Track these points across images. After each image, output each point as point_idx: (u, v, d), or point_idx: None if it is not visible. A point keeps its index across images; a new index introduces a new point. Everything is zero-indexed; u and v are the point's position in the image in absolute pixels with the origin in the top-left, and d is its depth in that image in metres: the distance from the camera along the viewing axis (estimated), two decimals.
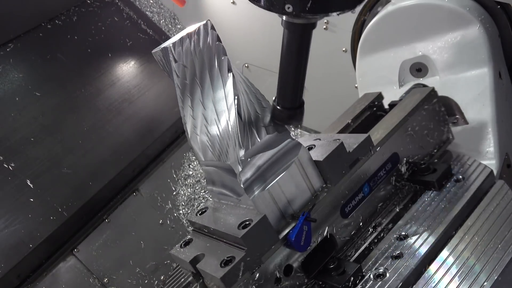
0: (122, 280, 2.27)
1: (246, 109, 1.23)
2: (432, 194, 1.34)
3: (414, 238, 1.22)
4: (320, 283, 1.24)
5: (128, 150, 2.49)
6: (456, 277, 1.12)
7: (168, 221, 2.51)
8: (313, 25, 1.00)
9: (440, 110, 1.48)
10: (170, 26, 3.07)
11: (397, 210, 1.36)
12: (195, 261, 1.22)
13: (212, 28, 1.32)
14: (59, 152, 2.31)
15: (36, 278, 2.09)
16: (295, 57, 1.07)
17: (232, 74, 1.30)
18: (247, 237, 1.11)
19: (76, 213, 2.22)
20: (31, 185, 2.17)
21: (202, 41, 1.33)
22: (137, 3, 3.00)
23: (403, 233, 1.25)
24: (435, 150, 1.48)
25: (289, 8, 0.87)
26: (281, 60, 1.09)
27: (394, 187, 1.39)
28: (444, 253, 1.18)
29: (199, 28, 1.33)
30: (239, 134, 1.18)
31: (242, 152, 1.17)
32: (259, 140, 1.20)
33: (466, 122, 1.70)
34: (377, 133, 1.38)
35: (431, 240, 1.20)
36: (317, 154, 1.25)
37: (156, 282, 2.36)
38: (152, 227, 2.45)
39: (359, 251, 1.30)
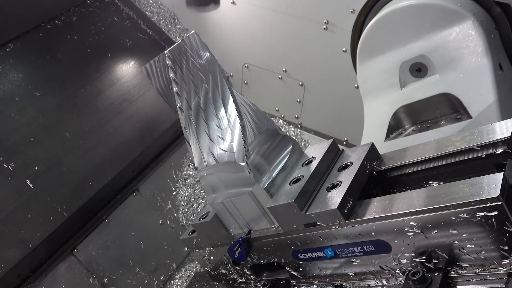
0: (122, 280, 2.27)
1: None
2: None
3: None
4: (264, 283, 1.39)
5: (128, 150, 2.49)
6: None
7: (168, 221, 2.51)
8: None
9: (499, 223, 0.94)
10: (170, 26, 3.07)
11: None
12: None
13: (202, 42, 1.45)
14: (59, 152, 2.31)
15: (36, 278, 2.09)
16: None
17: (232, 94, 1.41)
18: (196, 226, 1.47)
19: (76, 213, 2.22)
20: (31, 185, 2.17)
21: (192, 56, 1.41)
22: (137, 3, 3.00)
23: None
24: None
25: None
26: None
27: (381, 268, 1.12)
28: None
29: (186, 39, 1.43)
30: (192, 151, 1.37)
31: (195, 168, 1.36)
32: (214, 160, 1.33)
33: (469, 117, 1.70)
34: (375, 207, 1.07)
35: None
36: (283, 195, 1.20)
37: (156, 282, 2.36)
38: (152, 227, 2.45)
39: None
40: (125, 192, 2.45)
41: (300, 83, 2.69)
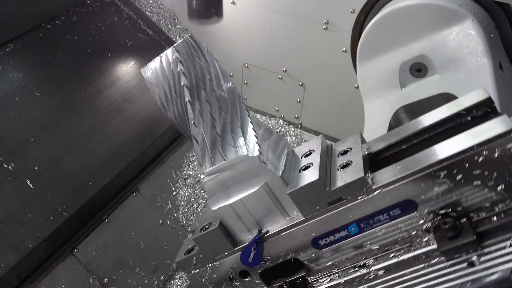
0: (122, 280, 2.27)
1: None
2: (437, 262, 1.09)
3: None
4: None
5: (128, 150, 2.49)
6: None
7: (168, 221, 2.51)
8: None
9: None
10: (170, 26, 3.07)
11: (397, 260, 1.14)
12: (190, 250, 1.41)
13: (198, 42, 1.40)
14: (59, 152, 2.31)
15: (36, 278, 2.09)
16: None
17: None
18: (198, 240, 1.28)
19: (76, 213, 2.22)
20: (31, 185, 2.17)
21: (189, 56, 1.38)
22: (137, 3, 3.00)
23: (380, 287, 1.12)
24: (497, 205, 1.07)
25: None
26: None
27: (402, 234, 1.14)
28: None
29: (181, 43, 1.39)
30: (198, 154, 1.26)
31: (201, 170, 1.26)
32: (223, 158, 1.23)
33: None
34: (394, 170, 1.10)
35: None
36: (298, 180, 1.17)
37: (156, 282, 2.36)
38: (152, 227, 2.45)
39: (332, 283, 1.24)
40: (125, 192, 2.45)
41: (300, 83, 2.69)
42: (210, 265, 1.31)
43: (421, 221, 1.10)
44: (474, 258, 1.04)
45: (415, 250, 1.13)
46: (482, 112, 1.17)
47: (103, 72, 2.63)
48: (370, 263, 1.18)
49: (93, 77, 2.59)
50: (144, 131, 2.59)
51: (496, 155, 1.00)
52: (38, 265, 2.12)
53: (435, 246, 1.09)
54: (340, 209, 1.14)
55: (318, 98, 2.70)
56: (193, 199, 2.61)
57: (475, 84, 1.72)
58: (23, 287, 2.06)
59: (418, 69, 1.91)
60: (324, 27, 2.43)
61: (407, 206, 1.09)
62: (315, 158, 1.25)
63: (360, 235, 1.16)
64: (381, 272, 1.16)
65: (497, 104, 1.66)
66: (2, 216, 2.07)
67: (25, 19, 2.54)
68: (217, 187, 1.26)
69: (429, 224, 1.10)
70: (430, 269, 1.09)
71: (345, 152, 1.27)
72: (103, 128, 2.48)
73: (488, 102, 1.16)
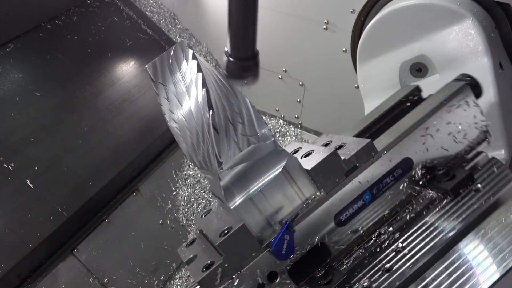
0: (122, 280, 2.27)
1: (222, 117, 1.19)
2: (446, 203, 1.25)
3: (410, 251, 1.18)
4: None
5: (128, 150, 2.49)
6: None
7: (168, 221, 2.51)
8: None
9: (471, 107, 1.31)
10: (170, 26, 3.07)
11: (407, 218, 1.26)
12: (189, 262, 1.26)
13: (188, 46, 1.30)
14: (59, 152, 2.31)
15: (36, 278, 2.09)
16: (246, 3, 0.99)
17: (198, 61, 1.24)
18: (223, 245, 1.14)
19: (76, 213, 2.22)
20: (31, 185, 2.17)
21: (178, 59, 1.32)
22: (137, 3, 3.00)
23: (401, 245, 1.20)
24: (466, 152, 1.32)
25: None
26: (229, 5, 1.00)
27: (406, 194, 1.28)
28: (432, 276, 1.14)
29: (174, 47, 1.33)
30: (215, 147, 1.16)
31: (220, 164, 1.16)
32: (240, 149, 1.17)
33: None
34: (388, 136, 1.29)
35: (427, 254, 1.16)
36: (311, 162, 1.21)
37: (156, 282, 2.36)
38: (152, 227, 2.45)
39: (358, 260, 1.25)
40: (125, 192, 2.45)
41: (300, 83, 2.69)
42: (237, 274, 1.18)
43: (418, 177, 1.28)
44: (479, 185, 1.24)
45: (419, 206, 1.28)
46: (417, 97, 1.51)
47: (103, 72, 2.63)
48: (384, 231, 1.27)
49: (93, 77, 2.59)
50: (144, 131, 2.59)
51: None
52: (38, 265, 2.12)
53: (434, 196, 1.27)
54: (356, 178, 1.22)
55: (318, 98, 2.70)
56: (193, 199, 2.61)
57: None
58: (23, 287, 2.06)
59: (418, 69, 1.91)
60: (324, 27, 2.43)
61: (405, 165, 1.26)
62: (309, 148, 1.27)
63: (373, 202, 1.25)
64: (397, 235, 1.24)
65: (497, 103, 1.67)
66: (2, 216, 2.07)
67: (25, 19, 2.54)
68: (233, 183, 1.18)
69: (424, 179, 1.28)
70: (443, 211, 1.24)
71: (327, 144, 1.31)
72: (103, 128, 2.48)
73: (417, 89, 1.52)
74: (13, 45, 2.46)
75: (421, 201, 1.28)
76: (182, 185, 2.64)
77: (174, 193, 2.61)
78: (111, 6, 2.87)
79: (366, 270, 1.19)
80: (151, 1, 3.09)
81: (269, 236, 1.19)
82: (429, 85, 1.89)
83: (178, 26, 3.08)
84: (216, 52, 3.06)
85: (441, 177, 1.26)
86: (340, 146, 1.25)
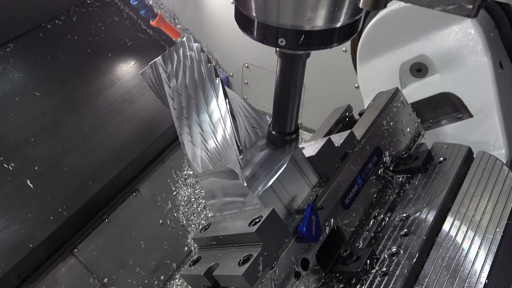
0: (122, 280, 2.27)
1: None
2: (420, 178, 1.44)
3: (416, 215, 1.30)
4: (338, 275, 1.24)
5: (128, 150, 2.49)
6: (469, 232, 1.20)
7: (168, 221, 2.51)
8: (307, 55, 0.98)
9: (407, 107, 1.61)
10: None
11: (391, 199, 1.44)
12: (209, 272, 1.19)
13: (195, 41, 1.38)
14: (59, 152, 2.31)
15: (36, 278, 2.09)
16: (291, 85, 1.07)
17: (221, 80, 1.34)
18: (260, 231, 1.12)
19: (76, 213, 2.22)
20: (31, 185, 2.17)
21: (189, 56, 1.38)
22: None
23: (405, 215, 1.32)
24: (412, 143, 1.59)
25: (282, 42, 0.86)
26: (275, 87, 1.08)
27: (384, 179, 1.48)
28: (449, 219, 1.27)
29: (181, 43, 1.39)
30: (235, 135, 1.22)
31: (240, 152, 1.20)
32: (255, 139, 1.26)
33: (470, 115, 1.70)
34: (357, 130, 1.48)
35: (433, 213, 1.27)
36: (309, 152, 1.33)
37: (156, 282, 2.36)
38: (152, 227, 2.45)
39: (367, 240, 1.34)
40: (125, 192, 2.45)
41: None
42: (276, 262, 1.14)
43: (388, 163, 1.48)
44: (441, 158, 1.47)
45: (395, 188, 1.47)
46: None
47: (103, 72, 2.63)
48: (378, 213, 1.42)
49: (93, 77, 2.59)
50: (144, 131, 2.59)
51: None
52: (38, 265, 2.12)
53: (404, 180, 1.48)
54: (348, 163, 1.37)
55: (318, 98, 2.70)
56: (193, 199, 2.61)
57: (475, 82, 1.72)
58: (23, 287, 2.06)
59: (418, 69, 1.91)
60: None
61: (378, 153, 1.47)
62: (299, 146, 1.34)
63: (364, 186, 1.40)
64: (389, 214, 1.38)
65: (497, 102, 1.68)
66: (2, 216, 2.07)
67: (25, 19, 2.54)
68: (253, 174, 1.22)
69: (392, 165, 1.50)
70: (422, 184, 1.42)
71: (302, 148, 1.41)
72: (103, 128, 2.48)
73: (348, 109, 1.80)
74: (13, 45, 2.46)
75: (395, 185, 1.49)
76: (182, 185, 2.64)
77: (174, 193, 2.60)
78: (111, 6, 2.87)
79: (384, 242, 1.27)
80: (151, 1, 3.09)
81: (290, 224, 1.22)
82: (429, 85, 1.89)
83: (178, 26, 3.08)
84: (216, 52, 3.06)
85: (406, 159, 1.48)
86: (330, 138, 1.37)
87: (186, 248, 2.47)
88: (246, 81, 2.92)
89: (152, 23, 2.65)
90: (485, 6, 1.88)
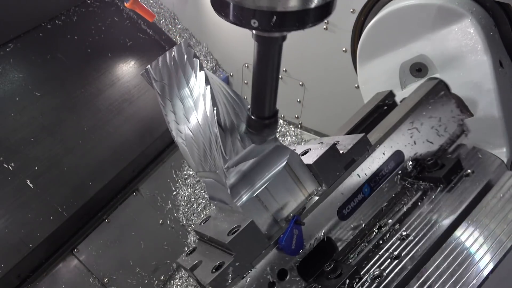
0: (122, 280, 2.27)
1: (226, 117, 1.23)
2: (440, 191, 1.31)
3: (415, 237, 1.20)
4: (319, 287, 1.23)
5: (128, 150, 2.49)
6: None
7: (168, 221, 2.51)
8: (283, 38, 0.99)
9: (450, 103, 1.43)
10: (170, 26, 3.07)
11: (405, 209, 1.31)
12: (194, 268, 1.25)
13: (189, 46, 1.35)
14: (59, 152, 2.31)
15: (36, 278, 2.09)
16: (267, 68, 1.07)
17: (205, 73, 1.30)
18: (234, 243, 1.14)
19: (76, 213, 2.22)
20: (31, 185, 2.17)
21: (179, 59, 1.36)
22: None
23: (405, 233, 1.23)
24: (448, 145, 1.42)
25: (255, 23, 0.86)
26: (253, 71, 1.08)
27: (401, 186, 1.34)
28: (442, 248, 1.17)
29: (175, 48, 1.38)
30: (221, 144, 1.19)
31: (225, 161, 1.19)
32: (243, 146, 1.20)
33: (471, 115, 1.70)
34: (378, 131, 1.35)
35: (432, 238, 1.18)
36: (310, 158, 1.25)
37: (156, 282, 2.36)
38: (152, 227, 2.45)
39: (362, 253, 1.27)
40: (125, 192, 2.45)
41: (300, 83, 2.69)
42: (248, 273, 1.17)
43: (409, 169, 1.35)
44: (468, 170, 1.31)
45: (412, 197, 1.34)
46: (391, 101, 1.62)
47: (103, 72, 2.63)
48: (385, 223, 1.32)
49: (93, 77, 2.59)
50: (144, 131, 2.59)
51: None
52: (38, 265, 2.12)
53: (427, 187, 1.33)
54: (354, 170, 1.27)
55: (318, 98, 2.70)
56: (193, 199, 2.61)
57: (475, 81, 1.72)
58: (23, 287, 2.06)
59: (418, 69, 1.91)
60: (324, 27, 2.43)
61: (397, 157, 1.33)
62: (304, 148, 1.30)
63: (372, 195, 1.30)
64: (397, 226, 1.29)
65: (497, 101, 1.68)
66: (2, 216, 2.07)
67: (25, 19, 2.54)
68: (239, 181, 1.19)
69: (415, 171, 1.35)
70: (438, 199, 1.29)
71: (320, 143, 1.34)
72: (103, 128, 2.48)
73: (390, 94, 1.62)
74: (13, 45, 2.46)
75: (415, 192, 1.34)
76: (182, 185, 2.64)
77: (174, 193, 2.60)
78: (111, 6, 2.87)
79: (374, 260, 1.22)
80: (151, 1, 3.09)
81: (276, 233, 1.20)
82: None
83: (178, 26, 3.08)
84: (216, 52, 3.06)
85: (431, 167, 1.33)
86: (335, 144, 1.28)
87: (186, 248, 2.47)
88: (246, 81, 2.91)
89: (127, 4, 2.58)
90: (484, 5, 1.88)
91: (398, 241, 1.23)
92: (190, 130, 1.29)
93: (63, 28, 2.64)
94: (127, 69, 2.71)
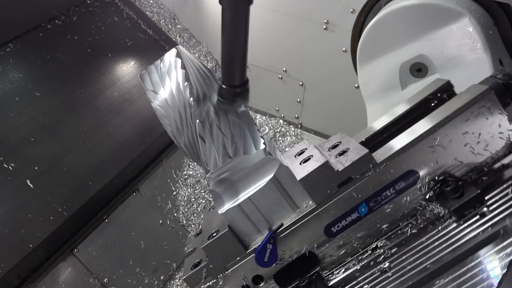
0: (122, 280, 2.27)
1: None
2: (449, 224, 1.13)
3: (393, 274, 1.10)
4: None
5: (128, 150, 2.49)
6: None
7: (168, 221, 2.51)
8: (249, 2, 0.97)
9: (495, 115, 1.16)
10: (170, 26, 3.07)
11: (408, 234, 1.18)
12: (189, 255, 1.39)
13: (178, 55, 1.34)
14: (59, 152, 2.31)
15: (36, 278, 2.09)
16: (235, 36, 1.07)
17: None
18: (208, 248, 1.21)
19: (76, 213, 2.22)
20: (31, 185, 2.17)
21: (168, 68, 1.36)
22: (137, 3, 3.00)
23: (386, 266, 1.13)
24: (489, 165, 1.18)
25: None
26: (221, 40, 1.09)
27: (411, 207, 1.20)
28: None
29: (165, 56, 1.38)
30: (201, 153, 1.22)
31: (207, 172, 1.22)
32: (228, 154, 1.20)
33: None
34: (394, 145, 1.19)
35: (411, 279, 1.07)
36: (304, 170, 1.18)
37: (156, 282, 2.36)
38: (152, 227, 2.45)
39: (348, 271, 1.22)
40: (125, 192, 2.45)
41: (300, 83, 2.69)
42: (221, 275, 1.22)
43: (424, 190, 1.17)
44: (484, 209, 1.09)
45: (423, 221, 1.17)
46: (446, 94, 1.35)
47: (103, 72, 2.63)
48: (382, 244, 1.21)
49: (93, 77, 2.59)
50: (144, 131, 2.59)
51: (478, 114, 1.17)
52: (38, 265, 2.12)
53: (441, 211, 1.15)
54: (350, 189, 1.16)
55: (318, 98, 2.70)
56: (193, 199, 2.61)
57: (475, 80, 1.72)
58: (23, 287, 2.06)
59: (418, 69, 1.91)
60: (324, 27, 2.43)
61: (409, 177, 1.16)
62: (312, 152, 1.25)
63: (370, 215, 1.18)
64: (394, 250, 1.18)
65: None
66: (2, 216, 2.07)
67: (25, 19, 2.54)
68: (223, 189, 1.21)
69: (431, 193, 1.17)
70: (444, 232, 1.12)
71: (335, 146, 1.28)
72: (103, 128, 2.48)
73: (448, 86, 1.36)
74: (13, 45, 2.46)
75: (427, 216, 1.17)
76: (182, 185, 2.64)
77: (174, 193, 2.60)
78: (111, 6, 2.87)
79: (350, 285, 1.17)
80: (151, 1, 3.09)
81: (257, 241, 1.23)
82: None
83: (178, 26, 3.08)
84: (216, 52, 3.06)
85: (449, 193, 1.13)
86: (343, 152, 1.21)
87: (186, 248, 2.47)
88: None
89: None
90: (483, 4, 1.88)
91: (378, 273, 1.14)
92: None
93: (63, 28, 2.64)
94: (127, 69, 2.71)
